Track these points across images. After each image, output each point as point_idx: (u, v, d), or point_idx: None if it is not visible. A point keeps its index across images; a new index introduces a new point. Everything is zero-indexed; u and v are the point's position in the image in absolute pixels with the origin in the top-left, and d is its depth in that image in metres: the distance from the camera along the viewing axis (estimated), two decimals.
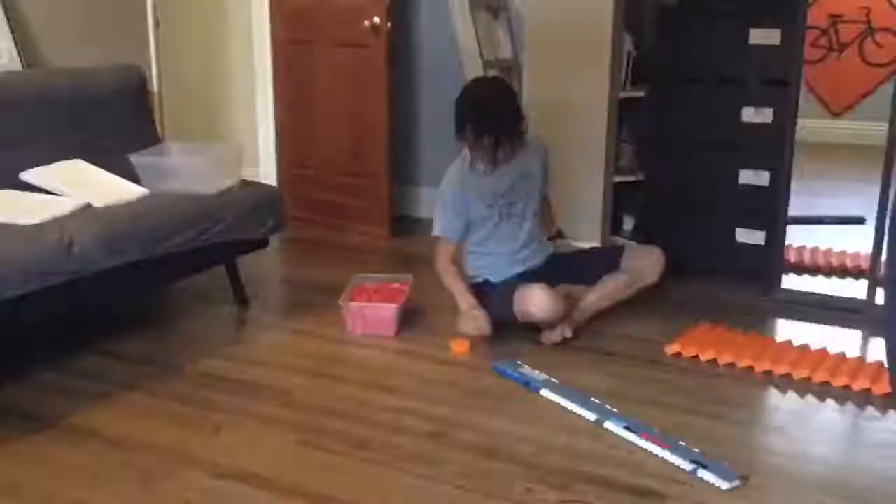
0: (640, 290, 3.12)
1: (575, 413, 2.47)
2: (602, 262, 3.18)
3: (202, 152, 3.17)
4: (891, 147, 3.09)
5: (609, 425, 2.39)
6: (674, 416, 2.47)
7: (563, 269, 3.14)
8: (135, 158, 3.05)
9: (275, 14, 4.55)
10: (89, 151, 3.10)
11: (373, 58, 4.15)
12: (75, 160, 3.02)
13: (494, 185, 3.03)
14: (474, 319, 2.94)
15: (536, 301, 2.88)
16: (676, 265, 3.64)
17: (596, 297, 3.10)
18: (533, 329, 2.97)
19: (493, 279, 3.09)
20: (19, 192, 2.79)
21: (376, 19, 4.08)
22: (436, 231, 3.09)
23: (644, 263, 3.12)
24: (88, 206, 2.73)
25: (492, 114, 2.93)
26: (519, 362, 2.81)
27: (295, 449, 2.29)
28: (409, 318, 3.17)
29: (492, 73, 4.08)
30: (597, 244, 3.62)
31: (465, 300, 3.00)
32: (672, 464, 2.20)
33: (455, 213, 3.04)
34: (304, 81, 4.49)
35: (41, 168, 2.90)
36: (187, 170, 3.03)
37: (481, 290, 3.07)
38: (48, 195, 2.80)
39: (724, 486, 2.10)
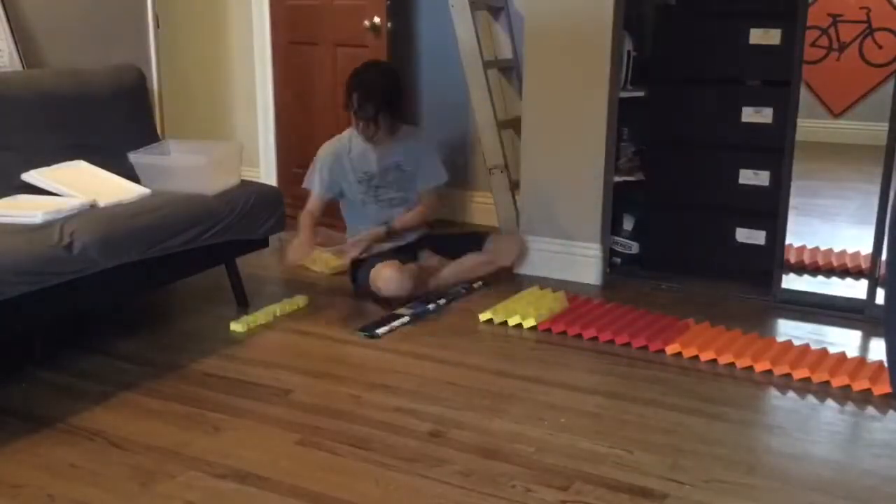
0: (496, 269, 3.57)
1: None
2: (467, 242, 3.61)
3: (201, 150, 3.17)
4: (891, 147, 3.09)
5: None
6: (674, 416, 2.47)
7: (431, 243, 3.57)
8: (134, 157, 3.05)
9: (275, 14, 4.55)
10: (89, 151, 3.10)
11: (373, 58, 4.14)
12: (77, 161, 3.03)
13: (366, 165, 3.42)
14: (294, 247, 3.33)
15: (385, 278, 3.23)
16: (676, 265, 3.66)
17: (454, 269, 3.49)
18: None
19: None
20: (20, 196, 2.79)
21: (376, 19, 4.08)
22: (304, 184, 3.51)
23: (503, 247, 3.60)
24: (91, 206, 2.73)
25: (376, 91, 3.30)
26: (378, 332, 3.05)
27: (295, 449, 2.29)
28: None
29: (492, 73, 4.09)
30: (608, 240, 3.63)
31: (304, 234, 3.37)
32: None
33: (323, 176, 3.43)
34: (305, 81, 4.49)
35: (42, 169, 2.90)
36: (187, 170, 3.03)
37: (355, 266, 3.43)
38: (51, 196, 2.80)
39: None
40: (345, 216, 3.62)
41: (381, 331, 3.06)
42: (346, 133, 3.50)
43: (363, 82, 3.32)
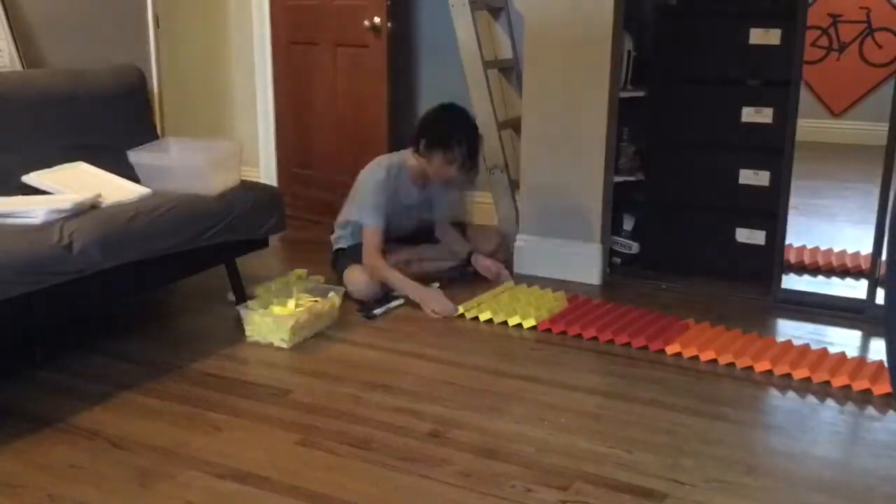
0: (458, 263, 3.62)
1: None
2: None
3: (201, 148, 3.17)
4: (891, 147, 3.09)
5: None
6: (674, 416, 2.47)
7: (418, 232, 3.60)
8: (134, 155, 3.04)
9: (275, 14, 4.55)
10: (89, 151, 3.10)
11: (373, 58, 4.15)
12: (77, 162, 3.03)
13: (406, 199, 3.45)
14: (437, 299, 3.27)
15: (353, 280, 3.33)
16: (676, 265, 3.66)
17: (433, 253, 3.58)
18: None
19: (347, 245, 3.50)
20: (21, 197, 2.79)
21: (377, 19, 4.08)
22: (356, 217, 3.44)
23: (482, 238, 3.74)
24: (92, 206, 2.73)
25: (475, 140, 3.35)
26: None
27: (295, 449, 2.29)
28: (408, 319, 3.18)
29: (492, 73, 4.09)
30: (600, 242, 3.62)
31: (414, 286, 3.32)
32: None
33: (381, 209, 3.35)
34: (305, 81, 4.49)
35: (43, 171, 2.90)
36: (188, 170, 3.03)
37: (336, 255, 3.51)
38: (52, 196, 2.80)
39: None
40: (346, 230, 3.54)
41: (377, 311, 3.22)
42: (395, 161, 3.43)
43: (473, 132, 3.33)
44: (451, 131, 3.29)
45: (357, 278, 3.33)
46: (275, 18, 4.56)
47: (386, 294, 3.35)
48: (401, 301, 3.29)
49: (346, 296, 3.30)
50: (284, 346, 2.91)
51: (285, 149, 4.73)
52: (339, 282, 3.41)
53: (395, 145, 4.32)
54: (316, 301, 3.11)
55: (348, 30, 4.20)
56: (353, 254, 3.41)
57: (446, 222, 3.67)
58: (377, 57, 4.14)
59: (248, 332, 2.99)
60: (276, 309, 3.02)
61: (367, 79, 4.21)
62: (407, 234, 3.55)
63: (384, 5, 4.07)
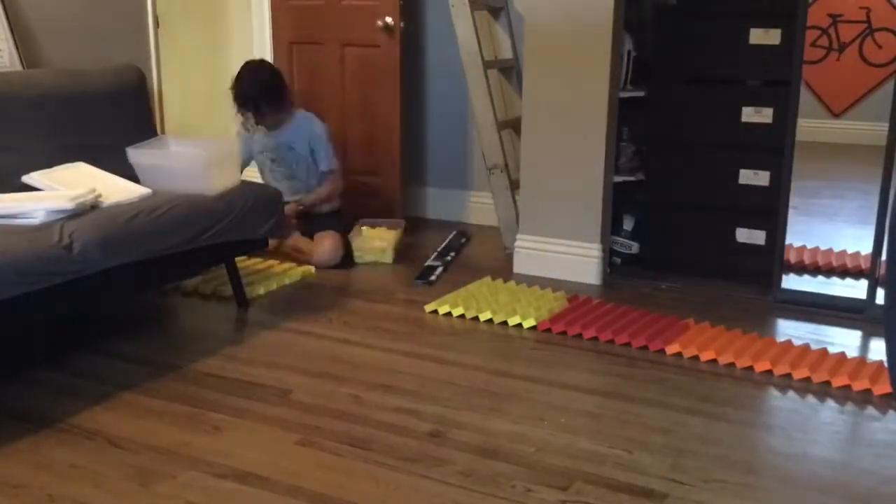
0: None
1: None
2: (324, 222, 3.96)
3: (200, 146, 3.17)
4: (891, 147, 3.09)
5: None
6: (674, 416, 2.48)
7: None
8: (133, 154, 3.04)
9: (276, 14, 4.55)
10: (89, 151, 3.10)
11: (385, 58, 4.17)
12: (77, 163, 3.02)
13: (264, 141, 3.95)
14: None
15: (322, 252, 3.78)
16: (676, 265, 3.66)
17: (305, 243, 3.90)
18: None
19: None
20: (20, 194, 2.79)
21: (389, 19, 4.09)
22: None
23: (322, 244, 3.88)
24: (92, 207, 2.73)
25: (251, 90, 3.76)
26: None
27: (295, 449, 2.29)
28: (408, 319, 3.18)
29: (492, 73, 4.09)
30: (610, 242, 3.62)
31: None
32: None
33: (242, 147, 3.93)
34: (309, 81, 4.49)
35: (43, 171, 2.90)
36: (187, 170, 3.03)
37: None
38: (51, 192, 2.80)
39: None
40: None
41: (432, 278, 3.66)
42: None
43: (238, 84, 3.79)
44: (232, 89, 3.79)
45: (325, 248, 3.77)
46: (276, 18, 4.56)
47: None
48: (441, 267, 3.76)
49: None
50: (389, 261, 3.84)
51: None
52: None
53: (407, 145, 4.38)
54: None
55: (357, 30, 4.21)
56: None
57: (327, 175, 3.98)
58: (390, 57, 4.16)
59: (356, 256, 3.85)
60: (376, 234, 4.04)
61: (378, 78, 4.23)
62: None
63: (397, 5, 4.08)
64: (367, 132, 4.33)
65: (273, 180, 3.97)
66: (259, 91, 3.76)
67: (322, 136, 3.92)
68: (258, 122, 3.86)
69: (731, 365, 2.81)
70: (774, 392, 2.66)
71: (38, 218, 2.57)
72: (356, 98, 4.34)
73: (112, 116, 3.30)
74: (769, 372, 2.75)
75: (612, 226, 3.71)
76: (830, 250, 3.90)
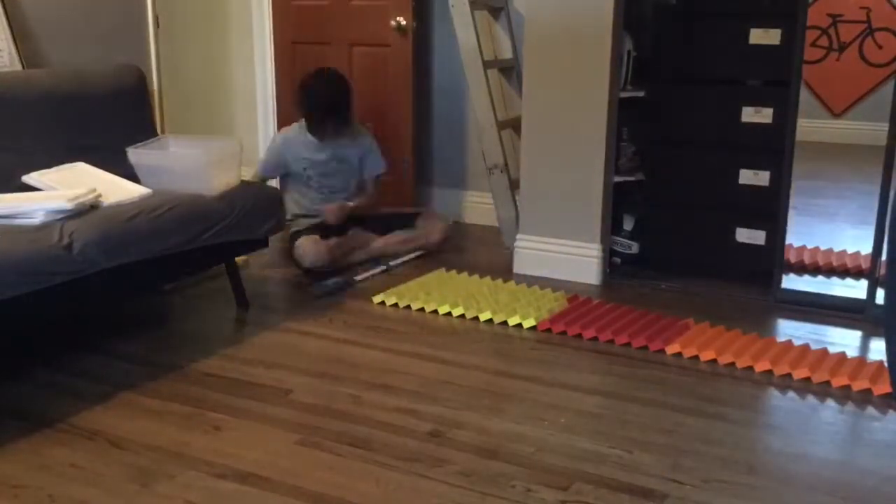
0: (423, 246, 3.93)
1: None
2: (398, 220, 4.01)
3: (199, 145, 3.17)
4: (891, 147, 3.09)
5: None
6: (674, 416, 2.47)
7: (362, 221, 3.91)
8: (133, 153, 3.04)
9: (277, 14, 4.55)
10: (89, 151, 3.10)
11: (398, 58, 4.17)
12: (77, 163, 3.02)
13: (313, 155, 3.84)
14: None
15: (305, 250, 3.61)
16: (676, 265, 3.66)
17: (383, 242, 3.88)
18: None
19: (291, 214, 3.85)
20: (20, 194, 2.79)
21: (401, 19, 4.10)
22: (258, 168, 3.99)
23: (430, 227, 3.97)
24: (92, 207, 2.73)
25: (337, 103, 3.76)
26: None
27: (295, 449, 2.29)
28: (409, 319, 3.18)
29: (492, 73, 4.09)
30: (604, 243, 3.62)
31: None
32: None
33: (270, 160, 3.94)
34: None
35: (43, 171, 2.90)
36: (188, 170, 3.03)
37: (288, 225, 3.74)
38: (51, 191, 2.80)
39: None
40: (286, 196, 3.87)
41: (329, 282, 3.51)
42: (299, 125, 3.91)
43: (325, 89, 3.77)
44: (309, 97, 3.78)
45: (307, 247, 3.60)
46: (277, 18, 4.56)
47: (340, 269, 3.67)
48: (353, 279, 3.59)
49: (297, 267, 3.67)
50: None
51: None
52: (290, 256, 3.73)
53: (416, 144, 4.42)
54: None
55: (366, 29, 4.22)
56: (296, 224, 3.78)
57: (373, 181, 4.02)
58: (402, 57, 4.17)
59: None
60: None
61: (390, 78, 4.24)
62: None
63: (409, 5, 4.09)
64: (377, 132, 4.32)
65: (313, 191, 3.90)
66: (345, 98, 3.78)
67: (374, 141, 3.98)
68: (337, 130, 3.80)
69: (731, 365, 2.81)
70: (774, 392, 2.66)
71: (38, 218, 2.57)
72: (366, 98, 4.33)
73: (112, 116, 3.30)
74: (769, 372, 2.75)
75: (611, 226, 3.71)
76: (830, 250, 3.90)
